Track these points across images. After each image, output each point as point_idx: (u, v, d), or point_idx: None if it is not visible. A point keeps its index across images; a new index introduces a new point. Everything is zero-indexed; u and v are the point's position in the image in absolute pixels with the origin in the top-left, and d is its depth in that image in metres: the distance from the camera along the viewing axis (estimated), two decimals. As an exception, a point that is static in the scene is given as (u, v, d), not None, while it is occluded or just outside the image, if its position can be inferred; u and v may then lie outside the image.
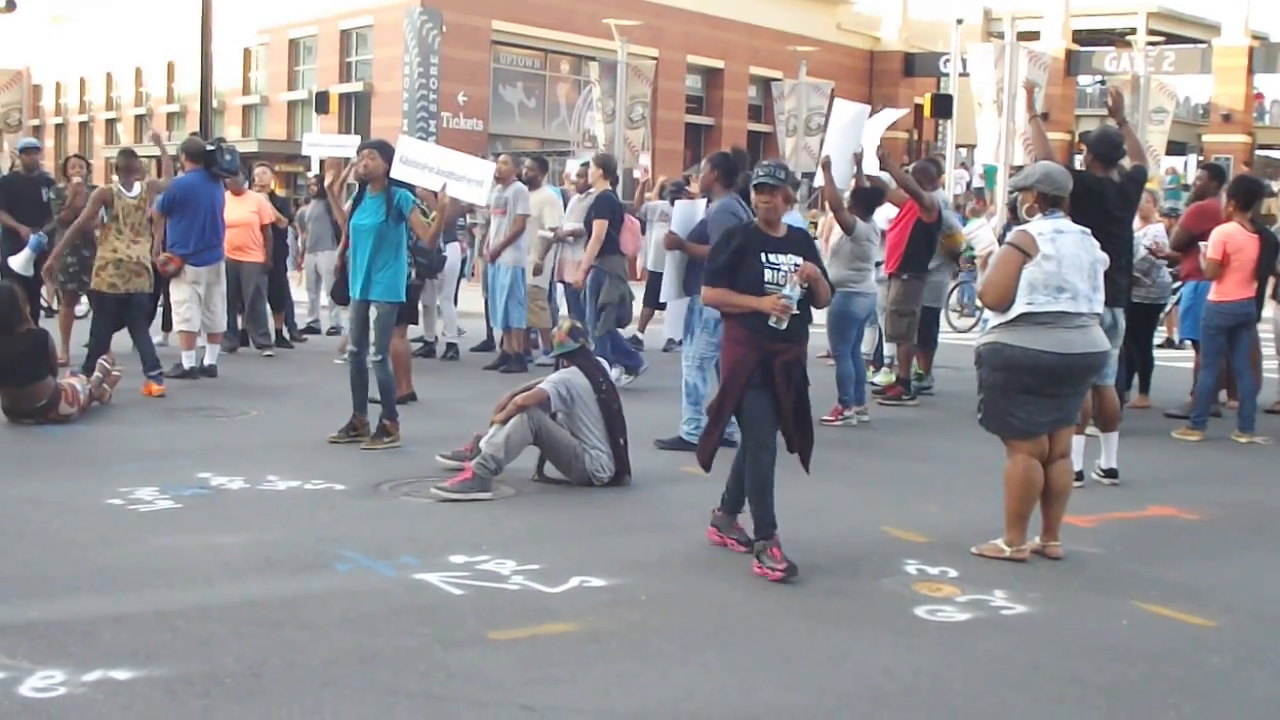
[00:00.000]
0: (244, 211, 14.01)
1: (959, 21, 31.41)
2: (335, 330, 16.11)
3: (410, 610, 5.41)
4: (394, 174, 9.30)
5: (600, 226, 12.14)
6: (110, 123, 52.73)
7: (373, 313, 8.97)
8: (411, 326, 12.06)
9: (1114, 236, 7.73)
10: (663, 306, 13.87)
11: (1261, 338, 11.25)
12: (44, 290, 13.83)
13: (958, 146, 34.34)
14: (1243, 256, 9.98)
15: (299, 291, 16.81)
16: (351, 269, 9.14)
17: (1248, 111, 45.54)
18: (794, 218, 10.97)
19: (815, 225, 17.64)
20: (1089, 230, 6.56)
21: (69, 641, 4.88)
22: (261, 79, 44.40)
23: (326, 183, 11.78)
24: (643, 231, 15.59)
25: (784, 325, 6.10)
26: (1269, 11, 70.93)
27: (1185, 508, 7.84)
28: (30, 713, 4.26)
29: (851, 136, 11.56)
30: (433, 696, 4.49)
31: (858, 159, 11.12)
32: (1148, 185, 10.24)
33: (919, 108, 34.77)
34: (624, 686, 4.64)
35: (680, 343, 10.02)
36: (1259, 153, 45.29)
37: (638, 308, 14.84)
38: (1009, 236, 6.60)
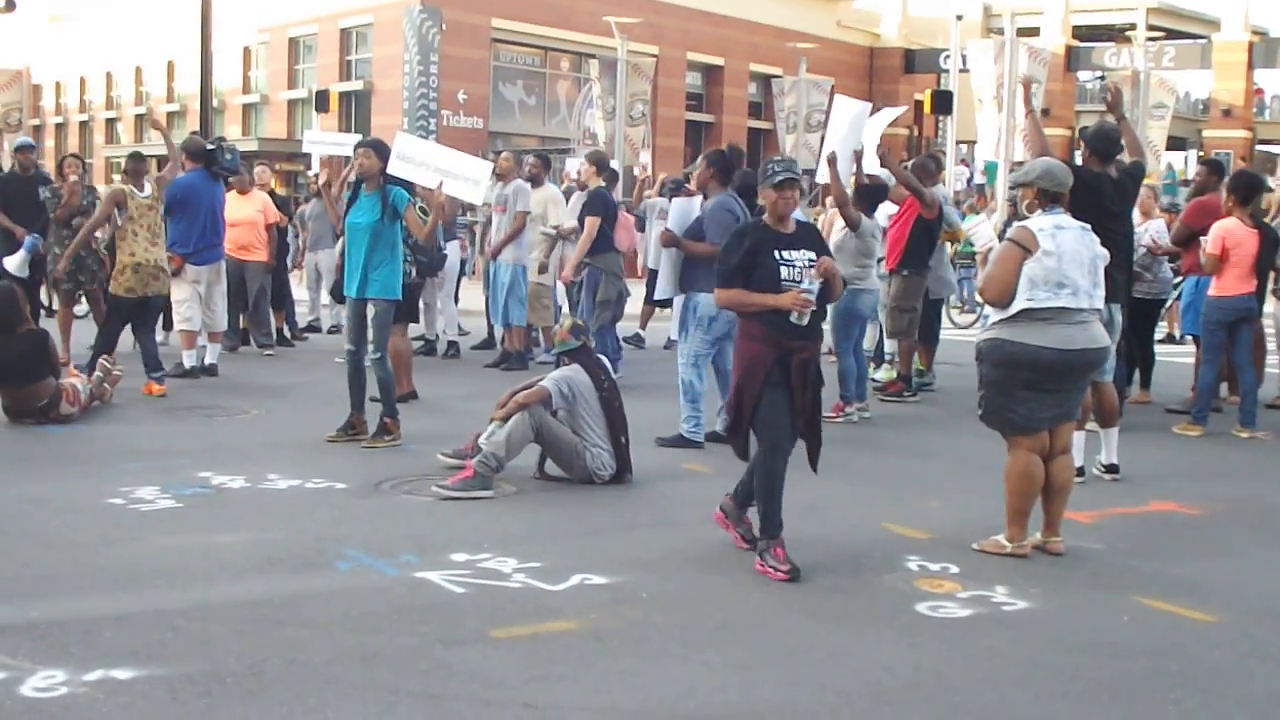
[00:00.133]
0: (249, 210, 14.02)
1: (959, 18, 31.37)
2: (336, 329, 16.10)
3: (412, 609, 5.41)
4: (391, 170, 9.29)
5: (592, 223, 12.12)
6: (110, 122, 52.71)
7: (370, 311, 8.96)
8: (412, 325, 12.06)
9: (1111, 232, 7.72)
10: (662, 304, 13.90)
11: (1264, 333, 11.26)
12: (43, 290, 13.80)
13: (958, 143, 34.35)
14: (1242, 251, 9.97)
15: (299, 290, 16.82)
16: (347, 267, 9.13)
17: (1247, 106, 45.55)
18: (795, 215, 11.01)
19: (815, 222, 17.62)
20: (1089, 226, 6.56)
21: (70, 641, 4.88)
22: (261, 78, 44.40)
23: (321, 182, 11.77)
24: (641, 229, 15.59)
25: (805, 320, 6.08)
26: (1268, 7, 70.91)
27: (1186, 503, 7.84)
28: (32, 713, 4.26)
29: (852, 134, 11.56)
30: (434, 695, 4.49)
31: (858, 156, 11.12)
32: (1146, 181, 10.24)
33: (919, 104, 34.76)
34: (626, 684, 4.64)
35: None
36: (1259, 148, 45.18)
37: (636, 306, 14.85)
38: (1009, 232, 6.60)
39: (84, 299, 12.92)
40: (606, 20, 30.06)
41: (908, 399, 11.69)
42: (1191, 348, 11.82)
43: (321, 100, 32.22)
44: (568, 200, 13.83)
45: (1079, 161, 8.71)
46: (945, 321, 14.51)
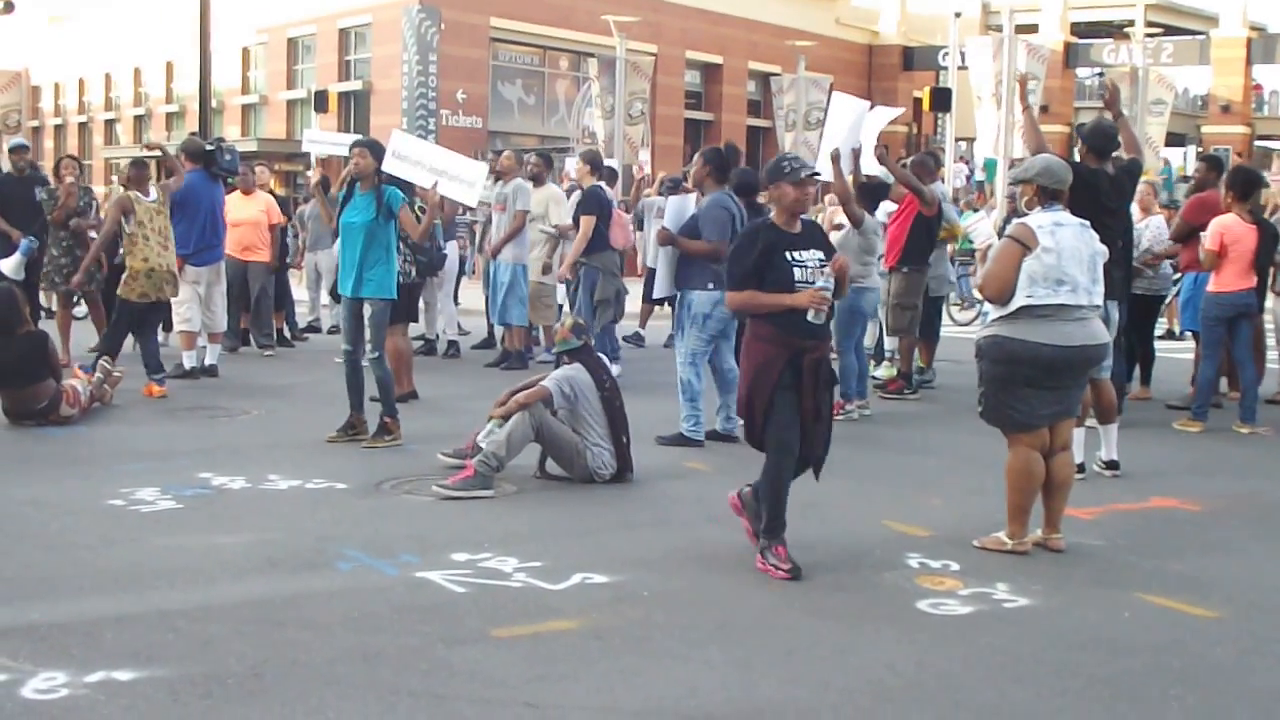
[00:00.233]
0: (252, 211, 14.02)
1: (957, 15, 31.38)
2: (336, 329, 16.06)
3: (412, 609, 5.41)
4: (386, 168, 9.28)
5: (588, 222, 12.09)
6: (109, 123, 52.69)
7: (366, 310, 8.96)
8: (413, 325, 12.06)
9: (1108, 228, 7.72)
10: (661, 302, 13.90)
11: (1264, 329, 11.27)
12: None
13: (957, 140, 34.33)
14: (1241, 247, 9.97)
15: (299, 290, 16.82)
16: (341, 267, 9.13)
17: (1246, 102, 45.54)
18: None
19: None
20: (1088, 223, 6.56)
21: (71, 643, 4.88)
22: (260, 78, 44.38)
23: (314, 181, 11.74)
24: (640, 227, 15.59)
25: (823, 319, 6.06)
26: (1266, 2, 70.83)
27: (1187, 499, 7.84)
28: (32, 714, 4.26)
29: (851, 132, 11.55)
30: (435, 695, 4.49)
31: (856, 155, 11.11)
32: (1144, 177, 10.23)
33: (918, 101, 34.75)
34: (627, 683, 4.64)
35: None
36: (1258, 144, 45.23)
37: (636, 305, 14.84)
38: (1009, 229, 6.59)
39: (82, 301, 12.91)
40: (605, 19, 30.05)
41: (908, 396, 11.69)
42: (1191, 344, 11.82)
43: (320, 100, 32.22)
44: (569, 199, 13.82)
45: (1076, 158, 8.70)
46: (945, 319, 14.51)
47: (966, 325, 17.95)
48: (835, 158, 10.90)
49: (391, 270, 9.10)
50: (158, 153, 12.75)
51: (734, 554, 6.33)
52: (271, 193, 15.70)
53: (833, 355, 10.47)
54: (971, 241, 15.75)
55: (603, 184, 13.67)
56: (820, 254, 6.16)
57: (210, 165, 12.31)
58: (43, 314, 13.49)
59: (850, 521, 7.08)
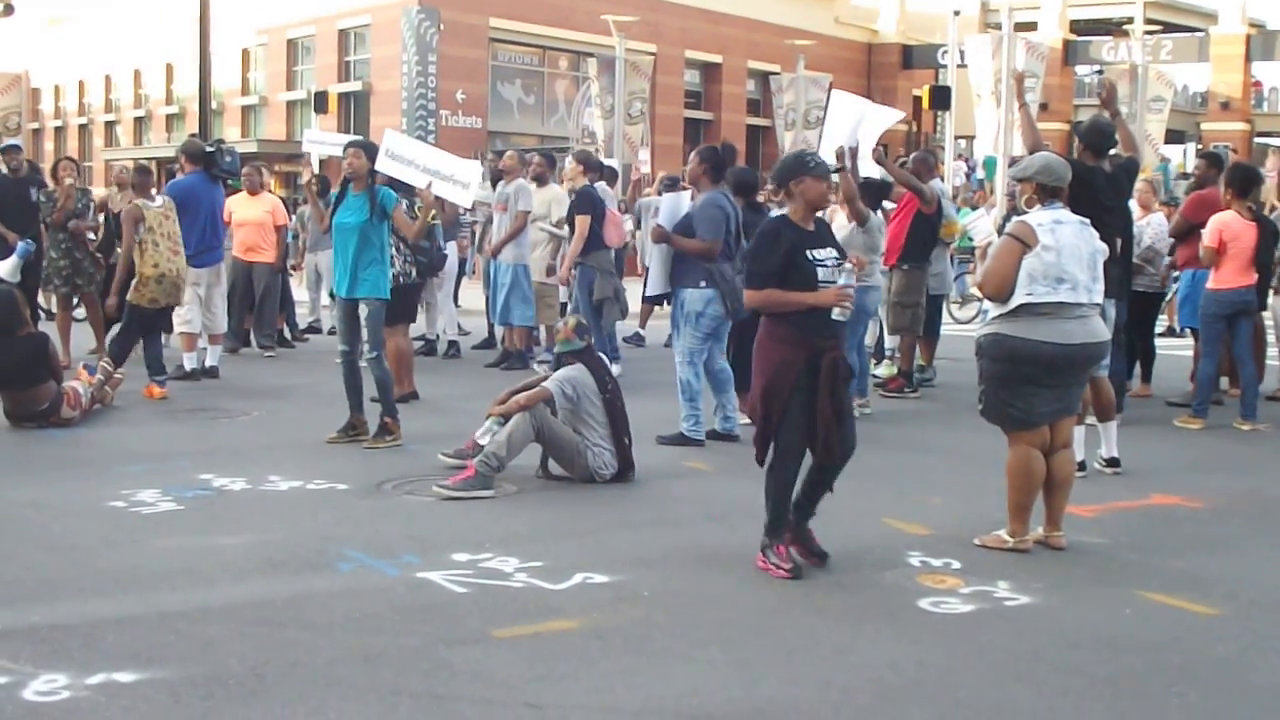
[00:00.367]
0: (257, 211, 14.02)
1: (956, 13, 31.38)
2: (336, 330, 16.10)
3: (413, 609, 5.41)
4: (379, 167, 9.27)
5: (583, 222, 12.06)
6: (109, 125, 52.72)
7: (362, 310, 8.95)
8: (413, 325, 12.05)
9: (1106, 226, 7.71)
10: (660, 301, 13.88)
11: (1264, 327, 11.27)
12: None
13: (957, 138, 34.33)
14: (1240, 244, 9.96)
15: (299, 291, 16.82)
16: (336, 268, 9.13)
17: (1245, 99, 45.54)
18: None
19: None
20: (1088, 221, 6.56)
21: (72, 645, 4.88)
22: (260, 79, 44.40)
23: (304, 180, 11.71)
24: (638, 227, 15.59)
25: (847, 317, 6.03)
26: (1266, -1, 70.78)
27: (1188, 496, 7.84)
28: (34, 716, 4.26)
29: (852, 130, 11.54)
30: (437, 695, 4.49)
31: (853, 155, 11.09)
32: (1142, 175, 10.24)
33: (917, 100, 34.71)
34: (628, 683, 4.64)
35: None
36: (1258, 140, 45.20)
37: (636, 304, 14.82)
38: (1008, 227, 6.59)
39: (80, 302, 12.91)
40: (604, 19, 30.04)
41: (908, 395, 11.68)
42: (1190, 341, 11.82)
43: (320, 101, 32.22)
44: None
45: (1074, 155, 8.70)
46: (945, 317, 14.50)
47: (966, 323, 17.94)
48: (841, 156, 10.88)
49: (385, 270, 9.10)
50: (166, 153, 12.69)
51: (734, 553, 6.32)
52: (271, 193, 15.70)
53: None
54: (971, 239, 15.76)
55: (601, 183, 13.69)
56: (835, 252, 6.13)
57: (210, 167, 12.30)
58: (42, 316, 13.49)
59: (851, 520, 7.06)
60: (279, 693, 4.46)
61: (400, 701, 4.41)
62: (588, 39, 37.07)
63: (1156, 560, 6.42)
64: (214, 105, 31.68)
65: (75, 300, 13.04)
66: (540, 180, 13.27)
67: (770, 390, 5.95)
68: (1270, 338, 11.82)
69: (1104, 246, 6.62)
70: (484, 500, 7.43)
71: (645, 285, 14.51)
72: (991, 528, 6.62)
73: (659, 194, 15.07)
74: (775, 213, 10.69)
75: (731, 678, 4.71)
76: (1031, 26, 42.40)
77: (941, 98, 31.01)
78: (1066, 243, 6.30)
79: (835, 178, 10.32)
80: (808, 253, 5.99)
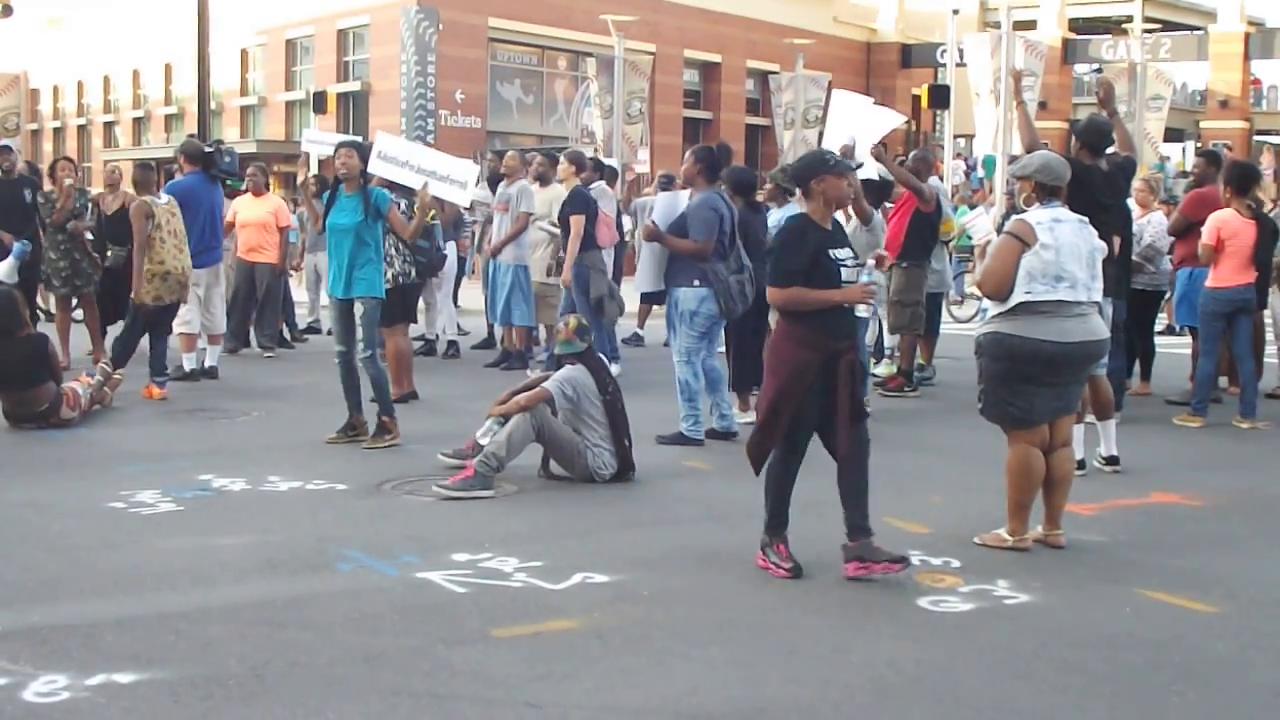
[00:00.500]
0: (261, 212, 14.01)
1: (955, 12, 31.35)
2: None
3: (413, 609, 5.41)
4: (371, 169, 9.26)
5: (578, 222, 12.03)
6: (108, 125, 52.70)
7: (358, 309, 8.95)
8: (413, 325, 12.05)
9: (1103, 225, 7.71)
10: (656, 300, 13.85)
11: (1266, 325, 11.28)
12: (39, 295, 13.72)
13: (956, 136, 34.32)
14: (1239, 242, 9.96)
15: (299, 291, 16.81)
16: (331, 269, 9.12)
17: (1244, 97, 45.51)
18: (792, 210, 11.00)
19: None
20: (1087, 219, 6.56)
21: (71, 646, 4.88)
22: (259, 80, 44.37)
23: (299, 182, 11.68)
24: (635, 226, 15.57)
25: (869, 314, 5.99)
26: (1265, -3, 70.74)
27: (1187, 494, 7.84)
28: (34, 717, 4.26)
29: (854, 129, 11.54)
30: (437, 695, 4.49)
31: (844, 154, 11.10)
32: (1141, 175, 10.23)
33: (916, 99, 34.68)
34: (628, 682, 4.64)
35: None
36: (1257, 138, 45.23)
37: (633, 304, 14.80)
38: (1007, 225, 6.59)
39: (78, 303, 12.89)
40: (603, 18, 30.00)
41: (908, 394, 11.68)
42: (1189, 339, 11.82)
43: (319, 101, 32.20)
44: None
45: (1071, 154, 8.70)
46: (945, 316, 14.50)
47: (966, 322, 17.94)
48: (846, 154, 10.88)
49: (380, 270, 9.11)
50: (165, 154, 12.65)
51: (734, 553, 6.33)
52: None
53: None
54: (970, 238, 15.76)
55: (601, 182, 13.68)
56: (851, 251, 6.10)
57: (209, 167, 12.30)
58: (41, 316, 13.48)
59: (851, 519, 7.07)
60: (279, 693, 4.46)
61: (400, 701, 4.41)
62: (587, 39, 37.04)
63: (1156, 558, 6.42)
64: (213, 106, 31.67)
65: (74, 301, 13.02)
66: (543, 180, 13.26)
67: (784, 391, 5.90)
68: (1270, 336, 11.82)
69: (1103, 245, 6.63)
70: (484, 500, 7.44)
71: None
72: (991, 526, 6.62)
73: (657, 193, 15.07)
74: (774, 212, 10.76)
75: (732, 677, 4.71)
76: (1030, 25, 42.38)
77: (940, 97, 31.00)
78: (1065, 241, 6.30)
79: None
80: (830, 252, 5.96)
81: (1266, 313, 11.24)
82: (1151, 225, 11.62)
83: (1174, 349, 13.47)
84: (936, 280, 12.21)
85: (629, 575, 5.93)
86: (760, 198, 10.78)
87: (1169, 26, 47.88)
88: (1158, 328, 12.84)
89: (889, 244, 11.39)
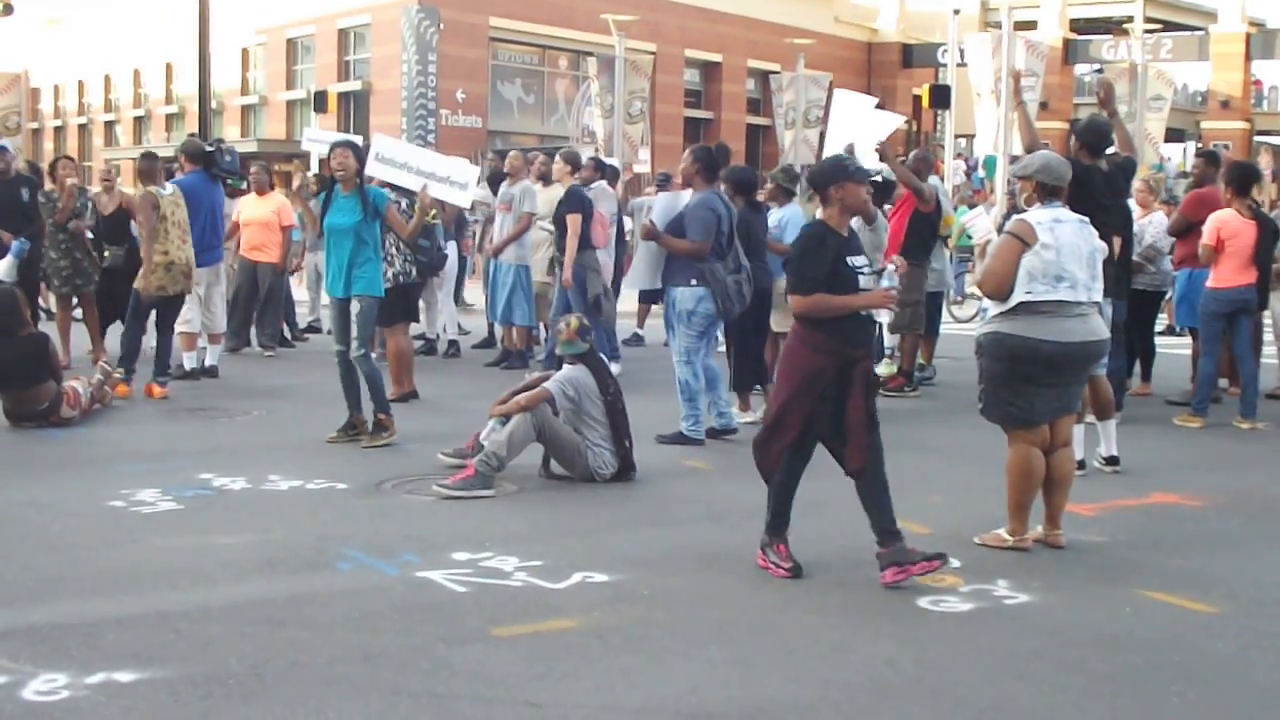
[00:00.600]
0: (263, 211, 14.01)
1: (956, 12, 31.38)
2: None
3: (413, 608, 5.41)
4: (369, 172, 9.24)
5: (575, 221, 12.02)
6: (109, 125, 52.72)
7: (355, 307, 8.94)
8: (413, 324, 12.05)
9: (1103, 225, 7.71)
10: (652, 299, 13.82)
11: (1264, 326, 11.26)
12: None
13: (956, 136, 34.33)
14: (1239, 242, 9.96)
15: (299, 290, 16.81)
16: (329, 269, 9.12)
17: (1245, 98, 45.55)
18: (793, 210, 11.02)
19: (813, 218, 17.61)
20: (1087, 219, 6.56)
21: (71, 644, 4.88)
22: (260, 79, 44.40)
23: (295, 186, 11.65)
24: (635, 226, 15.57)
25: (888, 319, 5.97)
26: (1266, -3, 70.80)
27: (1188, 495, 7.84)
28: (33, 716, 4.26)
29: (856, 128, 11.54)
30: (436, 694, 4.49)
31: (849, 153, 11.10)
32: (1141, 175, 10.23)
33: (917, 99, 34.67)
34: (628, 682, 4.64)
35: None
36: (1257, 139, 45.22)
37: (631, 304, 14.81)
38: (1008, 225, 6.59)
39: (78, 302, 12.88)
40: (604, 18, 30.01)
41: (908, 394, 11.69)
42: (1189, 340, 11.82)
43: (320, 101, 32.22)
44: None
45: (1071, 154, 8.70)
46: (945, 315, 14.50)
47: (966, 322, 17.94)
48: (851, 153, 10.87)
49: (379, 268, 9.11)
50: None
51: (734, 553, 6.33)
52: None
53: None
54: (970, 238, 15.76)
55: (602, 182, 13.67)
56: (865, 259, 6.05)
57: (210, 166, 12.29)
58: (43, 315, 13.47)
59: (850, 519, 7.02)
60: (279, 692, 4.46)
61: (400, 701, 4.41)
62: (587, 38, 37.07)
63: (1156, 559, 6.42)
64: (213, 105, 31.69)
65: (75, 300, 13.02)
66: (546, 179, 13.26)
67: (796, 395, 5.88)
68: (1269, 336, 11.81)
69: (1103, 245, 6.63)
70: (484, 500, 7.43)
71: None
72: (991, 526, 6.62)
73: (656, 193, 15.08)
74: (775, 212, 10.77)
75: (731, 676, 4.71)
76: (1031, 25, 42.41)
77: (941, 96, 31.01)
78: (1066, 241, 6.30)
79: None
80: (848, 259, 5.92)
81: (1266, 314, 11.22)
82: (1152, 226, 11.62)
83: (1174, 349, 13.47)
84: (936, 279, 12.22)
85: (629, 575, 5.93)
86: (761, 197, 10.78)
87: (1170, 27, 47.88)
88: (1158, 328, 12.84)
89: (889, 243, 11.40)
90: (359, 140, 11.60)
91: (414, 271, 11.03)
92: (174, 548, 6.34)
